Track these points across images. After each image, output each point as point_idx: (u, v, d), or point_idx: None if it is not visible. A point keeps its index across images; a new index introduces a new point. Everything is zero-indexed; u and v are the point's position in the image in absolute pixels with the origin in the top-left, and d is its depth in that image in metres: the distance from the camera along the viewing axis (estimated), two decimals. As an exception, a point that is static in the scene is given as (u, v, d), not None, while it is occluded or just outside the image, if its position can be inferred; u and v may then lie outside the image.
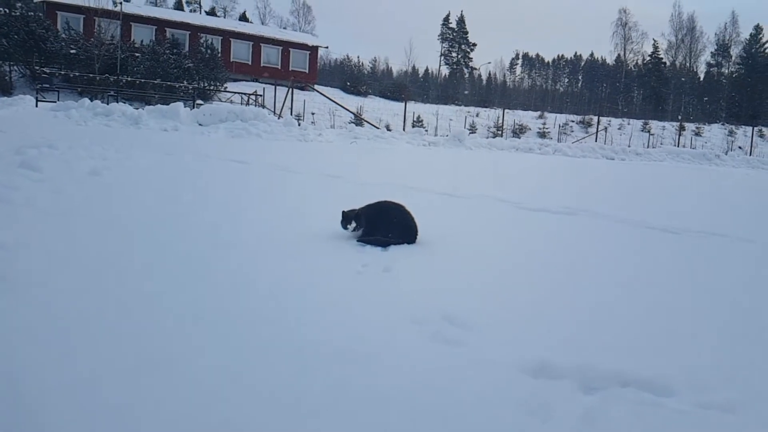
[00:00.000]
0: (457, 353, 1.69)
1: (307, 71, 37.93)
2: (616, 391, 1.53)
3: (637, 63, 65.23)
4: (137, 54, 26.46)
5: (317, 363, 1.59)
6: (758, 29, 60.85)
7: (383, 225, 3.06)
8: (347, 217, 3.09)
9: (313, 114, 27.53)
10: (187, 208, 3.79)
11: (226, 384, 1.45)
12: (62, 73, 24.32)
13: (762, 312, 2.33)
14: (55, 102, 17.47)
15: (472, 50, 73.11)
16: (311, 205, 4.36)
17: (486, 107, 42.76)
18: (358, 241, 3.02)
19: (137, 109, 14.21)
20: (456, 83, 67.52)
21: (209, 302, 2.02)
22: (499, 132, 30.05)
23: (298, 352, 1.65)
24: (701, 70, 64.50)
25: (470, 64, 73.55)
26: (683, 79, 58.19)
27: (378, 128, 21.48)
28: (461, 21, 72.54)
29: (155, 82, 24.98)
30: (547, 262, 2.98)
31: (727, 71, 62.40)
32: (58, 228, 2.93)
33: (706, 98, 57.16)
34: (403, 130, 22.85)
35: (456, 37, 72.57)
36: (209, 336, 1.73)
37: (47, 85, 22.40)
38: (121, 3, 28.48)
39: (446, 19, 73.01)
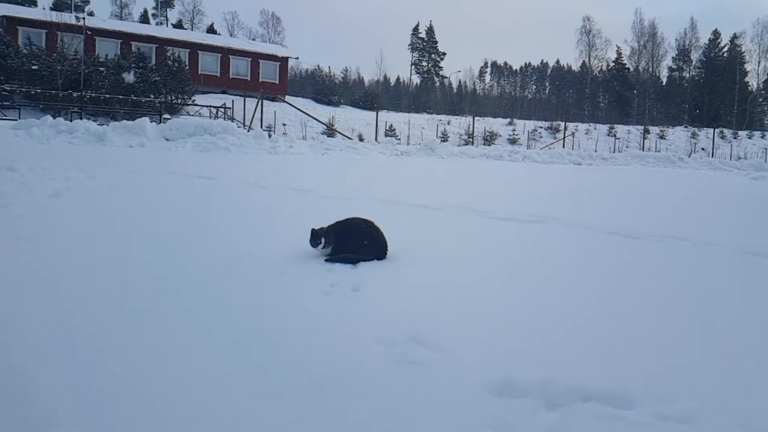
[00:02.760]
0: (423, 375, 1.70)
1: (277, 82, 37.81)
2: (577, 406, 1.55)
3: (601, 69, 67.08)
4: (102, 68, 25.98)
5: (282, 390, 1.57)
6: (716, 34, 63.23)
7: (352, 242, 3.06)
8: (316, 235, 3.07)
9: (284, 125, 27.43)
10: (149, 229, 3.72)
11: (190, 416, 1.43)
12: (23, 89, 23.71)
13: (721, 318, 2.39)
14: (16, 120, 16.99)
15: (442, 59, 74.01)
16: (279, 221, 4.32)
17: (457, 115, 43.25)
18: (326, 260, 3.00)
19: (102, 125, 13.91)
20: (427, 92, 68.16)
21: (171, 326, 1.98)
22: (471, 139, 30.40)
23: (263, 379, 1.63)
24: (664, 75, 66.72)
25: (441, 72, 74.40)
26: (647, 83, 59.92)
27: (350, 138, 21.50)
28: (430, 31, 73.38)
29: (120, 97, 24.55)
30: (513, 274, 3.02)
31: (688, 75, 64.59)
32: (20, 255, 2.83)
33: (669, 102, 58.96)
34: (376, 140, 22.92)
35: (426, 47, 73.35)
36: (171, 364, 1.70)
37: (7, 103, 21.80)
38: (84, 17, 28.00)
39: (416, 29, 73.79)
